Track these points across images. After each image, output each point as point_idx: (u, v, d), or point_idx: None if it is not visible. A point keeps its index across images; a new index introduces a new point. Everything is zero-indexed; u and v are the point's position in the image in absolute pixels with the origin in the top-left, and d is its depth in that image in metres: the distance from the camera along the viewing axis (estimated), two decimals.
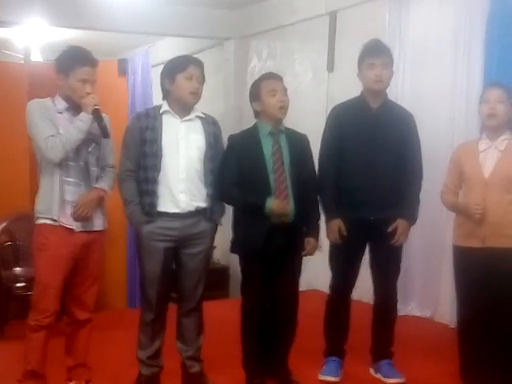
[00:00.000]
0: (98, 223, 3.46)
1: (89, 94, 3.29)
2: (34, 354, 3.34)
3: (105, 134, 3.40)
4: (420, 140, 3.87)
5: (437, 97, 5.05)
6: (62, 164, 3.27)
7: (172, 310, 3.67)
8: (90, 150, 3.38)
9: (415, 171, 3.81)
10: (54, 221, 3.28)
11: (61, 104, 3.36)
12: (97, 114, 3.31)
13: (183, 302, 3.66)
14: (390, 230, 3.70)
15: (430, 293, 5.15)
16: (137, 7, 6.53)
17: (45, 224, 3.31)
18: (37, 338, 3.33)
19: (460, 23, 4.89)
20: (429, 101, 5.06)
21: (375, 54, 3.78)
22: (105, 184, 3.46)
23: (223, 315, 4.03)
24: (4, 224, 5.43)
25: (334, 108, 4.01)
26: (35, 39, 7.03)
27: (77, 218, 3.31)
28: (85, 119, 3.26)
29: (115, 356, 3.96)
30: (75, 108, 3.33)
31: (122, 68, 6.53)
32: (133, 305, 5.76)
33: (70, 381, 3.54)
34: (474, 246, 3.58)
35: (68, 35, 7.15)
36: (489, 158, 3.62)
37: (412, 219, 3.78)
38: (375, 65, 3.75)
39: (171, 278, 3.62)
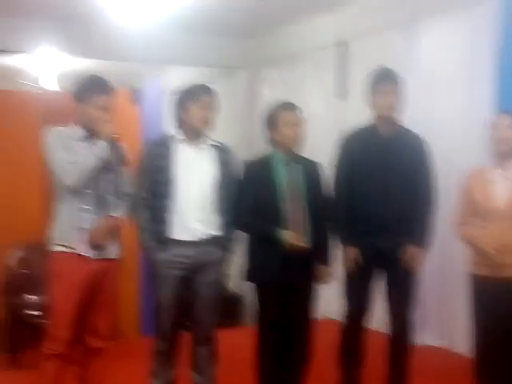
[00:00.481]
0: (113, 251, 3.45)
1: (106, 122, 3.31)
2: (49, 383, 3.34)
3: (122, 162, 3.44)
4: (433, 166, 3.87)
5: (447, 122, 5.07)
6: (78, 191, 3.28)
7: (187, 338, 3.66)
8: (106, 177, 3.38)
9: (427, 197, 3.79)
10: (70, 248, 3.28)
11: (78, 132, 3.37)
12: (114, 143, 3.33)
13: (197, 330, 3.66)
14: (400, 255, 3.70)
15: (446, 323, 5.13)
16: (149, 36, 6.58)
17: (61, 252, 3.31)
18: (51, 367, 3.31)
19: (471, 51, 4.91)
20: (440, 127, 5.08)
21: (385, 81, 3.81)
22: (121, 212, 3.46)
23: (237, 344, 4.00)
24: (20, 254, 5.46)
25: (344, 136, 4.01)
26: (50, 68, 7.09)
27: (92, 245, 3.31)
28: (102, 147, 3.27)
29: None
30: (92, 136, 3.34)
31: (135, 96, 6.59)
32: (146, 332, 5.72)
33: None
34: (492, 274, 3.53)
35: (82, 64, 7.22)
36: (501, 186, 3.58)
37: (423, 245, 3.76)
38: (385, 92, 3.77)
39: (185, 306, 3.61)
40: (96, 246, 3.32)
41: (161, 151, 3.54)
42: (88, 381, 3.52)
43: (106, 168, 3.35)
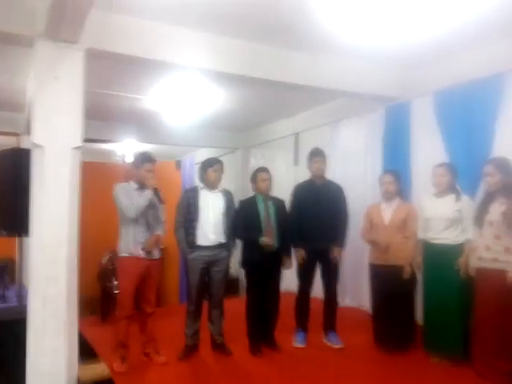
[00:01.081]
0: (156, 254, 3.42)
1: (151, 178, 3.31)
2: (120, 333, 3.30)
3: (161, 201, 3.43)
4: (347, 201, 3.88)
5: (356, 178, 5.02)
6: (134, 220, 3.28)
7: (205, 305, 3.64)
8: (150, 212, 3.37)
9: (343, 219, 3.79)
10: (130, 254, 3.28)
11: (134, 185, 3.37)
12: (155, 191, 3.33)
13: (212, 299, 3.62)
14: (330, 256, 3.69)
15: (357, 291, 5.03)
16: (187, 131, 6.65)
17: (124, 256, 3.30)
18: (122, 324, 3.29)
19: (369, 138, 4.92)
20: (352, 180, 4.97)
21: (316, 155, 3.86)
22: (160, 231, 3.44)
23: (236, 307, 3.97)
24: (108, 255, 5.46)
25: (295, 186, 4.03)
26: (130, 150, 7.18)
27: (145, 252, 3.31)
28: (149, 193, 3.27)
29: (172, 331, 3.86)
30: (142, 187, 3.33)
31: (178, 165, 6.65)
32: (182, 301, 5.66)
33: (145, 349, 3.48)
34: (382, 263, 3.58)
35: (148, 147, 7.31)
36: (387, 213, 3.64)
37: (342, 247, 3.76)
38: (316, 161, 3.83)
39: (205, 285, 3.58)
40: (148, 252, 3.32)
41: (192, 194, 3.56)
42: (146, 332, 3.47)
43: (151, 206, 3.34)
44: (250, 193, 3.87)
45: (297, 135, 6.09)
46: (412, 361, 3.35)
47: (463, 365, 3.09)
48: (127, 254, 3.29)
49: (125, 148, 7.14)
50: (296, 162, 5.98)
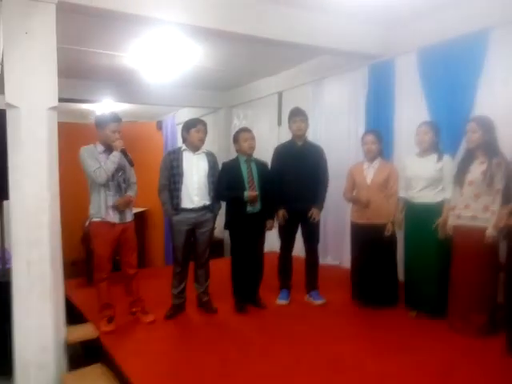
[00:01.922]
0: (129, 216, 3.38)
1: (118, 139, 3.22)
2: (103, 294, 3.32)
3: (131, 163, 3.36)
4: (327, 161, 3.87)
5: (339, 138, 5.02)
6: (105, 184, 3.22)
7: (191, 265, 3.67)
8: (120, 174, 3.30)
9: (324, 180, 3.80)
10: (103, 219, 3.24)
11: (100, 148, 3.26)
12: (123, 152, 3.25)
13: (198, 260, 3.65)
14: (309, 215, 3.71)
15: (338, 250, 5.13)
16: (168, 90, 6.51)
17: (96, 221, 3.26)
18: (102, 286, 3.31)
19: (352, 96, 4.90)
20: (335, 140, 5.04)
21: (296, 114, 3.81)
22: (131, 193, 3.39)
23: (221, 267, 4.03)
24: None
25: (276, 146, 4.00)
26: (108, 109, 7.00)
27: (117, 211, 3.26)
28: (116, 155, 3.20)
29: (158, 293, 3.92)
30: (109, 150, 3.25)
31: (159, 126, 6.49)
32: (167, 263, 5.71)
33: (132, 309, 3.52)
34: (363, 222, 3.62)
35: (127, 107, 7.13)
36: (369, 172, 3.66)
37: (321, 207, 3.78)
38: (296, 121, 3.78)
39: (191, 246, 3.59)
40: (118, 211, 3.26)
41: (174, 156, 3.51)
42: (132, 292, 3.49)
43: (120, 168, 3.28)
44: (233, 154, 3.83)
45: (280, 94, 6.01)
46: (391, 315, 3.47)
47: (440, 319, 3.22)
48: (99, 219, 3.24)
49: (103, 108, 6.92)
50: (279, 121, 5.93)
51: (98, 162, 3.18)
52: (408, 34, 4.16)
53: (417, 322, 3.33)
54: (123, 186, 3.33)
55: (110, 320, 3.31)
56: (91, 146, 3.28)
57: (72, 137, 5.10)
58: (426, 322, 3.29)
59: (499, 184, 2.84)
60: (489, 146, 2.94)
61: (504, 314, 2.85)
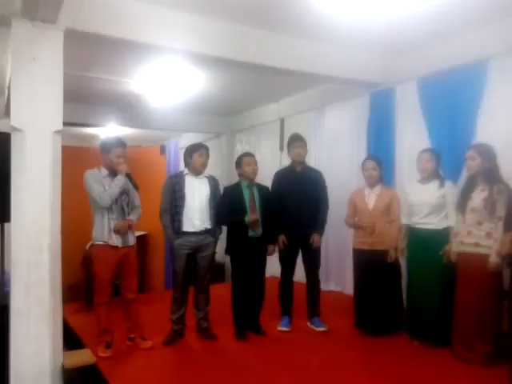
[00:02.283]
0: (131, 240, 3.38)
1: (122, 163, 3.25)
2: (101, 319, 3.29)
3: (136, 187, 3.39)
4: (327, 186, 3.88)
5: (341, 164, 5.05)
6: (108, 207, 3.23)
7: (191, 290, 3.64)
8: (123, 198, 3.32)
9: (324, 205, 3.80)
10: (105, 242, 3.24)
11: (104, 172, 3.30)
12: (128, 176, 3.29)
13: (198, 285, 3.62)
14: (310, 240, 3.70)
15: (341, 276, 5.09)
16: (172, 115, 6.57)
17: (98, 244, 3.26)
18: (101, 310, 3.29)
19: (354, 123, 4.92)
20: (337, 167, 5.07)
21: (295, 140, 3.85)
22: (133, 217, 3.39)
23: (221, 292, 3.98)
24: (91, 242, 5.37)
25: (276, 171, 4.02)
26: (113, 134, 7.07)
27: (118, 235, 3.25)
28: (121, 179, 3.22)
29: (157, 318, 3.87)
30: (113, 173, 3.27)
31: (162, 150, 6.56)
32: (168, 287, 5.65)
33: (130, 334, 3.47)
34: (366, 248, 3.60)
35: (131, 131, 7.20)
36: (370, 198, 3.67)
37: (322, 232, 3.78)
38: (296, 146, 3.81)
39: (191, 271, 3.57)
40: (120, 235, 3.26)
41: (177, 180, 3.53)
42: (130, 317, 3.46)
43: (124, 192, 3.30)
44: (236, 179, 3.85)
45: (282, 120, 6.06)
46: (394, 344, 3.41)
47: (443, 348, 3.17)
48: (102, 242, 3.24)
49: (107, 132, 7.00)
50: (281, 147, 5.96)
51: (102, 186, 3.21)
52: (408, 62, 4.23)
53: (420, 350, 3.27)
54: (126, 209, 3.34)
55: (108, 346, 3.27)
56: (95, 169, 3.31)
57: (75, 160, 5.15)
58: (429, 351, 3.23)
59: (501, 211, 2.84)
60: (489, 173, 2.96)
61: (508, 342, 2.79)
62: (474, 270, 2.94)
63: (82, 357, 3.13)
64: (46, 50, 2.72)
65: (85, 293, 4.96)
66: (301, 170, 3.84)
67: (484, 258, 2.87)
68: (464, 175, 3.36)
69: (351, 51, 4.15)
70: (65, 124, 2.84)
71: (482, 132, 3.54)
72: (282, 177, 3.88)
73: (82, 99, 5.72)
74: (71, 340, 3.55)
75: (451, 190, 3.30)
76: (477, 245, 2.95)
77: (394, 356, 3.20)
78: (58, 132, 2.79)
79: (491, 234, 2.88)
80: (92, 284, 4.82)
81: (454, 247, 3.11)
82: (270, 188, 3.84)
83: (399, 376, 2.85)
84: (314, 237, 3.70)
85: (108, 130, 6.93)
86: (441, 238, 3.24)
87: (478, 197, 2.96)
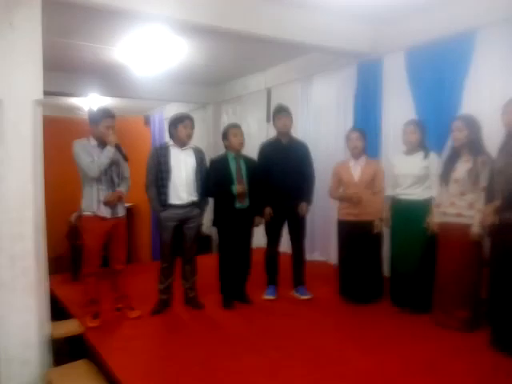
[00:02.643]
0: (121, 212, 3.36)
1: (111, 134, 3.21)
2: (90, 289, 3.29)
3: (125, 158, 3.35)
4: (312, 158, 3.89)
5: (327, 136, 5.04)
6: (97, 178, 3.20)
7: (178, 261, 3.65)
8: (113, 168, 3.28)
9: (310, 177, 3.83)
10: (94, 212, 3.21)
11: (93, 142, 3.25)
12: (117, 147, 3.24)
13: (185, 255, 3.64)
14: (298, 209, 3.72)
15: (326, 246, 5.16)
16: (156, 84, 6.43)
17: (87, 215, 3.23)
18: (90, 281, 3.28)
19: (340, 95, 4.91)
20: (323, 138, 5.07)
21: (280, 111, 3.81)
22: (122, 188, 3.36)
23: (208, 263, 4.02)
24: (76, 213, 5.33)
25: (261, 144, 3.99)
26: (95, 104, 6.92)
27: (107, 205, 3.23)
28: (110, 150, 3.18)
29: (144, 289, 3.92)
30: (102, 144, 3.23)
31: (147, 121, 6.46)
32: (155, 258, 5.68)
33: (117, 305, 3.50)
34: (351, 219, 3.64)
35: (114, 101, 7.04)
36: (356, 170, 3.68)
37: (309, 202, 3.81)
38: (281, 117, 3.78)
39: (178, 242, 3.57)
40: (109, 206, 3.23)
41: (162, 152, 3.48)
42: (117, 288, 3.48)
43: (113, 163, 3.26)
44: (222, 150, 3.82)
45: (269, 90, 5.99)
46: (376, 311, 3.51)
47: (424, 314, 3.27)
48: (90, 213, 3.22)
49: (90, 102, 6.84)
50: (268, 118, 5.91)
51: (91, 156, 3.17)
52: (396, 33, 4.18)
53: (402, 317, 3.37)
54: (116, 180, 3.32)
55: (96, 316, 3.29)
56: (84, 140, 3.26)
57: (58, 131, 5.08)
58: (410, 317, 3.33)
59: (484, 182, 2.87)
60: (474, 145, 2.98)
61: (487, 308, 2.89)
62: (455, 240, 3.00)
63: (70, 327, 3.17)
64: (23, 15, 2.63)
65: (71, 264, 4.97)
66: (287, 141, 3.82)
67: (466, 227, 2.92)
68: (448, 146, 3.38)
69: (339, 20, 4.08)
70: (45, 93, 2.77)
71: (468, 104, 3.55)
72: (267, 149, 3.86)
73: (63, 68, 5.55)
74: (58, 311, 3.58)
75: (435, 161, 3.33)
76: (459, 215, 3.00)
77: (376, 322, 3.30)
78: (38, 101, 2.72)
79: (473, 204, 2.92)
80: (78, 255, 4.88)
81: (436, 217, 3.16)
82: (256, 160, 3.82)
83: (380, 341, 2.94)
84: (302, 205, 3.74)
85: (90, 100, 6.76)
86: (423, 208, 3.28)
87: (462, 168, 2.99)
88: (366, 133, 3.76)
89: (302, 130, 5.18)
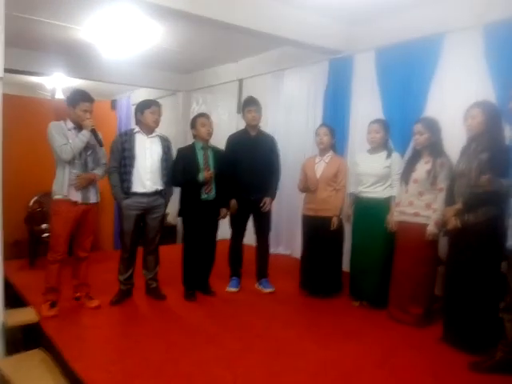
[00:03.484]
0: (93, 198, 3.30)
1: (88, 119, 3.16)
2: (52, 277, 3.21)
3: (100, 143, 3.29)
4: (280, 152, 3.91)
5: (297, 130, 5.06)
6: (70, 161, 3.13)
7: (140, 250, 3.62)
8: (88, 153, 3.23)
9: (276, 171, 3.85)
10: (65, 196, 3.14)
11: (70, 124, 3.19)
12: (94, 132, 3.19)
13: (147, 246, 3.60)
14: (262, 204, 3.75)
15: (290, 240, 5.22)
16: (125, 68, 6.26)
17: (58, 199, 3.15)
18: (54, 268, 3.20)
19: (311, 89, 4.94)
20: (293, 132, 5.09)
21: (250, 104, 3.81)
22: (97, 172, 3.31)
23: (172, 254, 4.00)
24: (36, 197, 5.22)
25: (229, 136, 3.97)
26: (59, 84, 6.67)
27: (76, 187, 3.16)
28: (85, 134, 3.13)
29: (105, 278, 3.86)
30: (79, 127, 3.18)
31: (114, 105, 6.28)
32: (117, 247, 5.59)
33: (76, 293, 3.43)
34: (311, 214, 3.70)
35: (80, 83, 6.80)
36: (320, 166, 3.73)
37: (273, 197, 3.83)
38: (251, 110, 3.78)
39: (140, 232, 3.53)
40: (80, 188, 3.17)
41: (126, 139, 3.41)
42: (78, 276, 3.41)
43: (88, 147, 3.21)
44: (191, 139, 3.78)
45: (241, 81, 5.95)
46: (336, 304, 3.61)
47: (381, 309, 3.39)
48: (61, 197, 3.14)
49: (54, 82, 6.59)
50: (239, 109, 5.86)
51: (65, 139, 3.10)
52: (368, 32, 4.24)
53: (359, 311, 3.48)
54: (91, 165, 3.26)
55: (53, 305, 3.22)
56: (61, 121, 3.19)
57: (19, 110, 4.87)
58: (367, 312, 3.44)
59: (442, 183, 2.98)
60: (434, 147, 3.08)
61: (441, 305, 3.02)
62: (412, 239, 3.10)
63: (25, 315, 3.08)
64: None
65: (29, 250, 4.82)
66: (255, 134, 3.82)
67: (422, 227, 3.03)
68: (411, 147, 3.47)
69: (313, 16, 4.10)
70: (6, 71, 2.68)
71: (432, 107, 3.65)
72: (235, 141, 3.85)
73: (26, 45, 5.31)
74: (14, 298, 3.47)
75: (397, 161, 3.42)
76: (416, 214, 3.10)
77: (334, 315, 3.38)
78: None
79: (431, 204, 3.03)
80: (36, 241, 4.76)
81: (396, 216, 3.26)
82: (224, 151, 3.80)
83: (338, 334, 3.03)
84: (266, 200, 3.76)
85: (54, 80, 6.52)
86: (384, 206, 3.38)
87: (422, 168, 3.09)
88: (334, 129, 3.80)
89: (272, 123, 5.19)
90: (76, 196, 3.17)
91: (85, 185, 3.20)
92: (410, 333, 3.04)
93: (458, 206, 2.73)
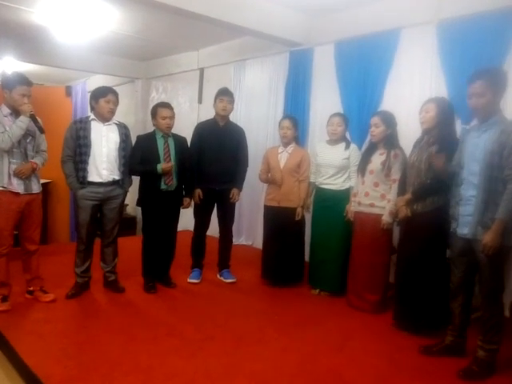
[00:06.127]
0: (35, 187, 3.16)
1: (26, 103, 2.98)
2: (1, 271, 3.07)
3: (41, 130, 3.12)
4: (247, 144, 3.91)
5: (258, 121, 5.08)
6: (8, 151, 2.97)
7: (97, 242, 3.54)
8: (28, 140, 3.07)
9: (243, 162, 3.85)
10: (5, 187, 2.99)
11: (6, 110, 3.00)
12: (33, 118, 3.01)
13: (105, 238, 3.52)
14: (230, 195, 3.75)
15: (252, 231, 5.26)
16: (80, 53, 6.04)
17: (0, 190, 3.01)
18: (0, 262, 3.06)
19: (273, 79, 4.95)
20: (254, 123, 5.10)
21: (223, 94, 3.78)
22: (37, 160, 3.14)
23: (132, 245, 3.91)
24: None
25: (197, 124, 3.95)
26: (10, 70, 6.32)
27: (17, 176, 3.01)
28: (24, 120, 2.96)
29: (60, 271, 3.74)
30: (16, 113, 3.00)
31: (68, 92, 6.05)
32: (73, 239, 5.43)
33: (29, 287, 3.30)
34: (274, 205, 3.73)
35: (33, 68, 6.49)
36: (283, 157, 3.76)
37: (240, 188, 3.84)
38: (223, 100, 3.76)
39: (97, 223, 3.44)
40: (22, 180, 3.03)
41: (81, 126, 3.28)
42: (30, 270, 3.27)
43: (28, 134, 3.05)
44: (151, 127, 3.71)
45: (202, 70, 5.90)
46: (296, 293, 3.67)
47: (339, 297, 3.50)
48: (1, 188, 2.99)
49: (3, 66, 6.23)
50: (200, 99, 5.82)
51: (2, 126, 2.93)
52: (328, 24, 4.29)
53: (319, 299, 3.57)
54: (30, 153, 3.10)
55: (5, 299, 3.09)
56: None
57: None
58: (327, 300, 3.54)
59: (395, 174, 3.09)
60: (389, 139, 3.18)
61: (393, 292, 3.14)
62: (368, 229, 3.21)
63: None
64: None
65: None
66: (223, 125, 3.80)
67: (378, 217, 3.14)
68: (368, 139, 3.57)
69: (274, 7, 4.10)
70: None
71: (388, 100, 3.76)
72: (203, 130, 3.81)
73: None
74: None
75: (355, 153, 3.51)
76: (372, 205, 3.20)
77: (294, 304, 3.45)
78: None
79: (385, 195, 3.15)
80: None
81: (352, 207, 3.36)
82: (187, 139, 3.75)
83: (299, 321, 3.09)
84: (234, 192, 3.77)
85: (4, 64, 6.16)
86: (343, 197, 3.47)
87: (377, 160, 3.19)
88: (297, 121, 3.83)
89: (233, 114, 5.14)
90: (17, 187, 3.03)
91: (26, 175, 3.06)
92: (367, 319, 3.16)
93: (408, 196, 2.84)
